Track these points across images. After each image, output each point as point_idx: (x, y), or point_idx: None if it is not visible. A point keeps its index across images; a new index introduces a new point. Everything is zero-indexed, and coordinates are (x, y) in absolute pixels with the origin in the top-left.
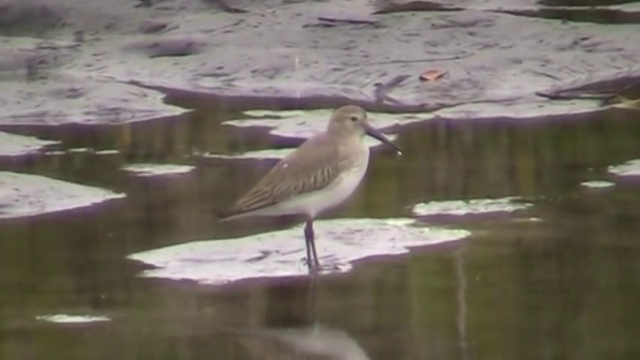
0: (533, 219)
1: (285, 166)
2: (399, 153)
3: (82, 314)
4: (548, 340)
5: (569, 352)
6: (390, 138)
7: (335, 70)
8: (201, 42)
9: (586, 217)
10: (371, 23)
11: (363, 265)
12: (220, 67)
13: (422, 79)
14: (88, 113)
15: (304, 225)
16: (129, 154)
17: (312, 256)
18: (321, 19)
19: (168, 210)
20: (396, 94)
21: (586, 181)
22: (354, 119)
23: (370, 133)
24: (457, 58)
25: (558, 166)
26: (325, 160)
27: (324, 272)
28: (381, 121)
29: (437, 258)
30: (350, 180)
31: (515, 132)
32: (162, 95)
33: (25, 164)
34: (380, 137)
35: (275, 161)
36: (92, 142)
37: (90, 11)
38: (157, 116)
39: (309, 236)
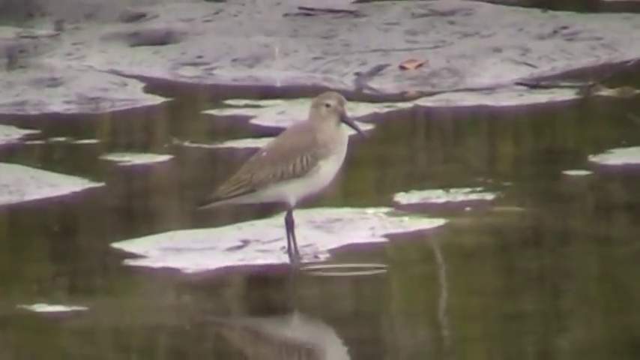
0: (513, 207)
1: (265, 154)
2: (365, 138)
3: (62, 303)
4: (528, 328)
5: (549, 339)
6: (369, 127)
7: (315, 59)
8: (181, 31)
9: (566, 205)
10: (351, 12)
11: (343, 253)
12: (200, 56)
13: (402, 67)
14: (68, 102)
15: (284, 214)
16: (109, 143)
17: (292, 245)
18: (301, 8)
19: (149, 199)
20: (376, 83)
21: (566, 169)
22: (327, 106)
23: (343, 119)
24: (437, 47)
25: (538, 154)
26: (304, 147)
27: (304, 261)
28: (361, 110)
29: (417, 246)
30: (329, 168)
31: (495, 120)
32: (143, 84)
33: (5, 153)
34: (350, 123)
35: (255, 150)
36: (72, 131)
37: (70, 0)
38: (137, 105)
39: (290, 225)
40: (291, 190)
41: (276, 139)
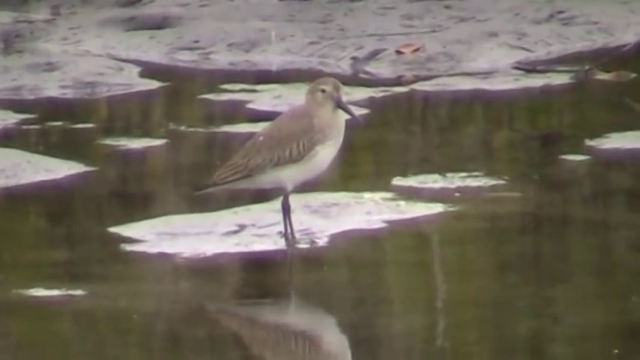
0: (510, 192)
1: (261, 138)
2: (362, 124)
3: (58, 287)
4: (524, 314)
5: (545, 326)
6: (366, 111)
7: (311, 43)
8: (178, 15)
9: (563, 190)
10: None
11: (340, 238)
12: (196, 41)
13: (398, 52)
14: (64, 87)
15: (281, 199)
16: (105, 128)
17: (288, 230)
18: None
19: (145, 183)
20: (372, 68)
21: (563, 154)
22: (323, 91)
23: (339, 105)
24: (433, 31)
25: (535, 139)
26: (301, 133)
27: (301, 246)
28: (357, 94)
29: (413, 232)
30: (325, 153)
31: (491, 105)
32: (139, 69)
33: (1, 138)
34: (346, 109)
35: (251, 135)
36: (68, 115)
37: None
38: (133, 90)
39: (286, 210)
40: (288, 176)
41: (272, 123)
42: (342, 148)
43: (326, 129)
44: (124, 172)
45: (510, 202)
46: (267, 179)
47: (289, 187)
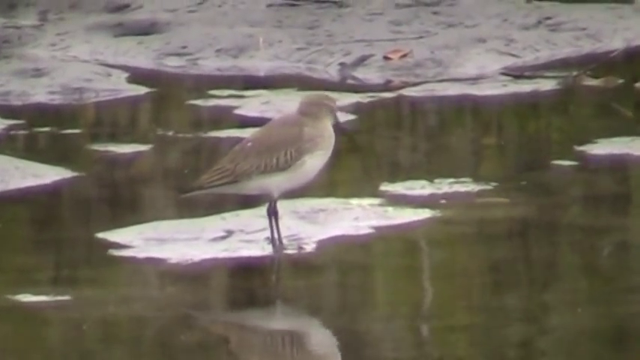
0: (498, 198)
1: (249, 144)
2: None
3: (46, 293)
4: (513, 319)
5: (534, 331)
6: (353, 117)
7: (299, 49)
8: (166, 21)
9: (551, 196)
10: (335, 2)
11: (327, 244)
12: (184, 47)
13: (386, 58)
14: (52, 93)
15: (267, 205)
16: (93, 134)
17: (275, 236)
18: None
19: (132, 189)
20: (360, 73)
21: (551, 159)
22: (330, 109)
23: (337, 123)
24: (421, 37)
25: (523, 144)
26: (289, 141)
27: (288, 252)
28: (345, 100)
29: (401, 237)
30: (314, 163)
31: (479, 111)
32: (127, 74)
33: None
34: (343, 129)
35: (239, 140)
36: (56, 121)
37: None
38: (121, 95)
39: (273, 215)
40: (274, 183)
41: (261, 129)
42: (331, 153)
43: (317, 138)
44: (112, 177)
45: (499, 208)
46: (253, 185)
47: (275, 194)
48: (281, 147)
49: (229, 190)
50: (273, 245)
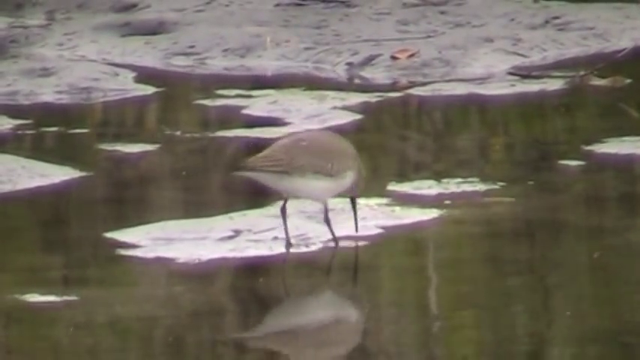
0: (505, 198)
1: (304, 143)
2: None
3: (54, 293)
4: (519, 319)
5: (540, 330)
6: (360, 116)
7: (306, 49)
8: (173, 21)
9: (558, 195)
10: (342, 2)
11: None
12: (192, 46)
13: (393, 57)
14: (59, 92)
15: (280, 203)
16: (100, 133)
17: (288, 234)
18: None
19: (140, 188)
20: (367, 73)
21: (558, 159)
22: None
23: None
24: (428, 37)
25: (530, 144)
26: (343, 152)
27: (296, 251)
28: (352, 100)
29: (408, 237)
30: (348, 180)
31: (487, 110)
32: (134, 74)
33: None
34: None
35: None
36: (64, 121)
37: None
38: (129, 95)
39: (282, 214)
40: (323, 186)
41: (311, 133)
42: None
43: (358, 159)
44: (120, 177)
45: (506, 208)
46: (302, 183)
47: (324, 197)
48: (335, 155)
49: (275, 181)
50: (287, 242)
